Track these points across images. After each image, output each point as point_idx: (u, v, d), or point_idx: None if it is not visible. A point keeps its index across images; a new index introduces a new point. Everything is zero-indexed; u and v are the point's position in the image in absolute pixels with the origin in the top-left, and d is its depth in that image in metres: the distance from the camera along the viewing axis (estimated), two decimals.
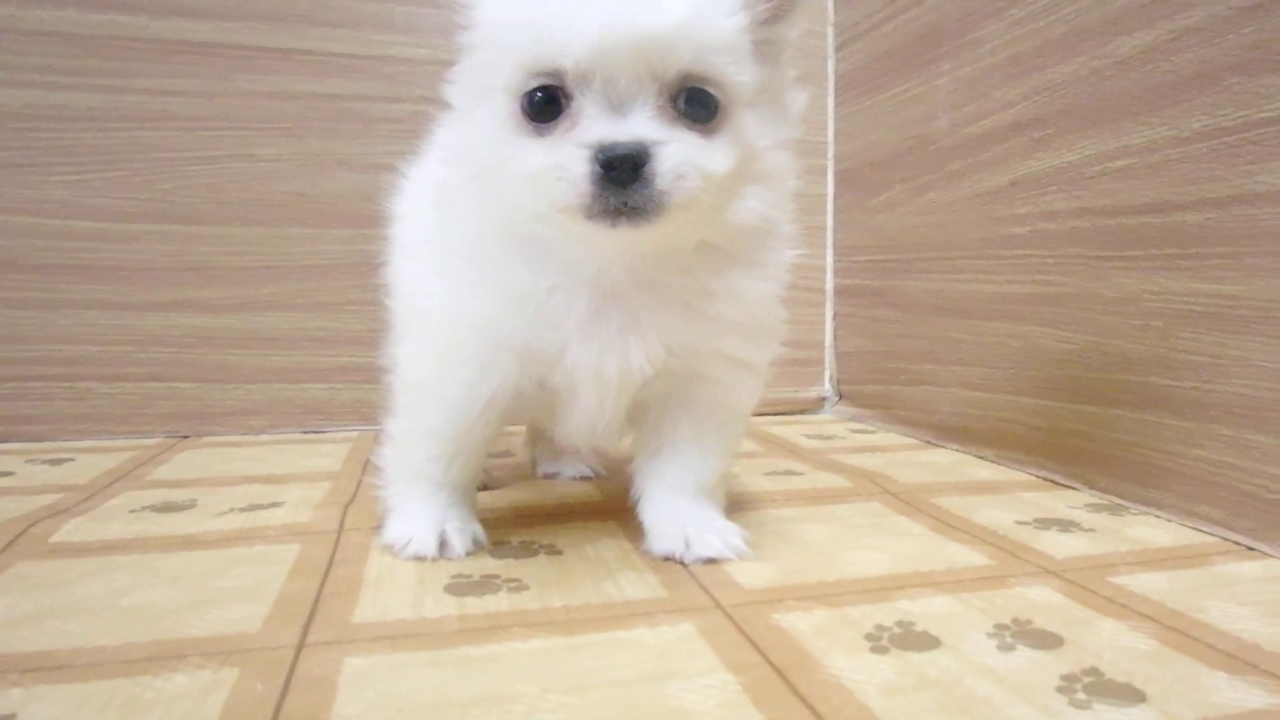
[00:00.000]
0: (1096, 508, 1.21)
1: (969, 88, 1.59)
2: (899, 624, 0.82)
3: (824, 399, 2.14)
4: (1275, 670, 0.73)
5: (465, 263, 0.93)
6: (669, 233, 0.83)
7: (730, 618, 0.84)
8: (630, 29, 0.78)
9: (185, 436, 1.79)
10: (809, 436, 1.80)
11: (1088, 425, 1.31)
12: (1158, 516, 1.17)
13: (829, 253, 2.09)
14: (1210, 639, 0.79)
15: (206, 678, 0.70)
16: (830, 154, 2.10)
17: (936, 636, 0.79)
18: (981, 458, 1.56)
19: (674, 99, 0.81)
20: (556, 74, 0.80)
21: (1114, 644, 0.78)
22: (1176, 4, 1.15)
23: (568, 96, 0.81)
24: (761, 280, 0.96)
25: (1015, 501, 1.26)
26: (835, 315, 2.12)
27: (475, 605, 0.86)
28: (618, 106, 0.80)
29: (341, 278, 1.83)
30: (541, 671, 0.72)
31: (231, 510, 1.20)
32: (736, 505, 1.16)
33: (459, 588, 0.91)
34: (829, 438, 1.80)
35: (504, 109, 0.83)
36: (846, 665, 0.74)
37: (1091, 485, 1.30)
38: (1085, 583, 0.93)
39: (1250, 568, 0.98)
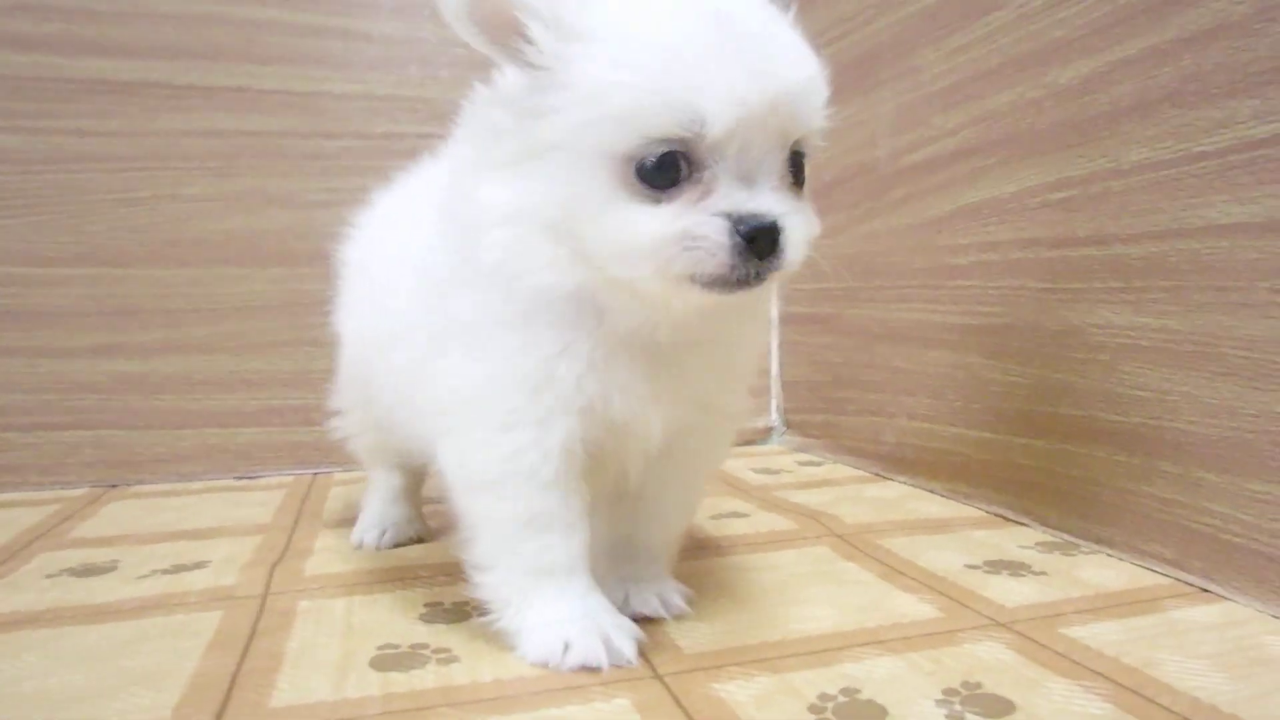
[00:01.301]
0: (1047, 546, 1.19)
1: (909, 114, 1.57)
2: (844, 691, 0.79)
3: (771, 429, 2.11)
4: None
5: (504, 328, 0.86)
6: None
7: (668, 689, 0.81)
8: (772, 94, 0.75)
9: (113, 486, 1.74)
10: (756, 471, 1.78)
11: (1035, 459, 1.29)
12: (1109, 555, 1.15)
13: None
14: (1165, 699, 0.77)
15: None
16: None
17: (883, 706, 0.76)
18: (930, 491, 1.53)
19: (787, 162, 0.80)
20: (686, 141, 0.75)
21: (1067, 708, 0.75)
22: (1113, 35, 1.14)
23: (694, 163, 0.76)
24: (759, 328, 0.95)
25: (964, 541, 1.23)
26: (781, 343, 2.09)
27: (401, 682, 0.83)
28: (748, 174, 0.77)
29: (275, 318, 1.79)
30: None
31: (154, 572, 1.16)
32: (680, 553, 1.13)
33: (385, 661, 0.88)
34: (776, 471, 1.77)
35: (606, 171, 0.77)
36: None
37: (1042, 522, 1.28)
38: (1036, 636, 0.90)
39: (1203, 613, 0.96)
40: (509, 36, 0.78)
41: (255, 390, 1.82)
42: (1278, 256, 0.94)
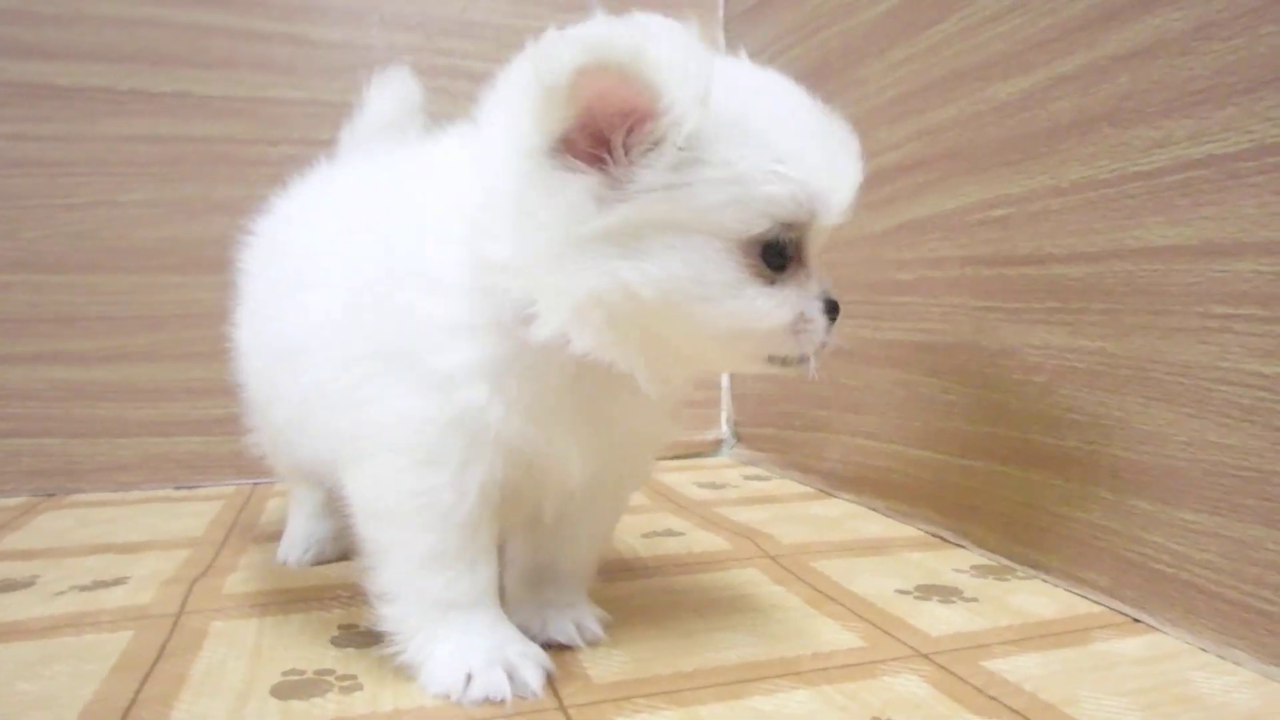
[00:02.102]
0: (982, 571, 1.17)
1: (856, 127, 1.55)
2: None
3: (721, 441, 2.10)
4: None
5: (412, 365, 0.83)
6: None
7: None
8: (858, 183, 0.82)
9: (51, 495, 1.71)
10: (701, 485, 1.75)
11: (973, 480, 1.27)
12: (1044, 581, 1.13)
13: None
14: None
15: None
16: None
17: None
18: (872, 509, 1.51)
19: None
20: (803, 226, 0.78)
21: None
22: (1053, 50, 1.12)
23: (801, 247, 0.80)
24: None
25: (899, 564, 1.21)
26: None
27: (300, 710, 0.81)
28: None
29: (217, 325, 1.75)
30: None
31: (71, 589, 1.13)
32: (607, 572, 1.11)
33: (287, 688, 0.85)
34: (721, 486, 1.75)
35: (730, 251, 0.76)
36: None
37: (979, 544, 1.26)
38: (957, 668, 0.88)
39: (1131, 645, 0.94)
40: (623, 114, 0.74)
41: (197, 399, 1.79)
42: (1212, 280, 0.93)
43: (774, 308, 0.78)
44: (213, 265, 1.70)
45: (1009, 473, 1.20)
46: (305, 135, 1.80)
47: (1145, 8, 1.00)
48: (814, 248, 0.81)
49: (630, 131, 0.73)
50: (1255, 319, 0.88)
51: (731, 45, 2.00)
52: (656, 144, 0.73)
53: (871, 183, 1.46)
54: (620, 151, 0.74)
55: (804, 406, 1.76)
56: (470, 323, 0.82)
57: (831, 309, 0.81)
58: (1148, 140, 1.00)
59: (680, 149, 0.73)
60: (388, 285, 0.85)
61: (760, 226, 0.75)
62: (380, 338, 0.85)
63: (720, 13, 2.09)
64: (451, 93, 1.86)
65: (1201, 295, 0.94)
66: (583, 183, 0.74)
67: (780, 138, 0.76)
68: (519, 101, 0.77)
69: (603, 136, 0.74)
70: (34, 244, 1.71)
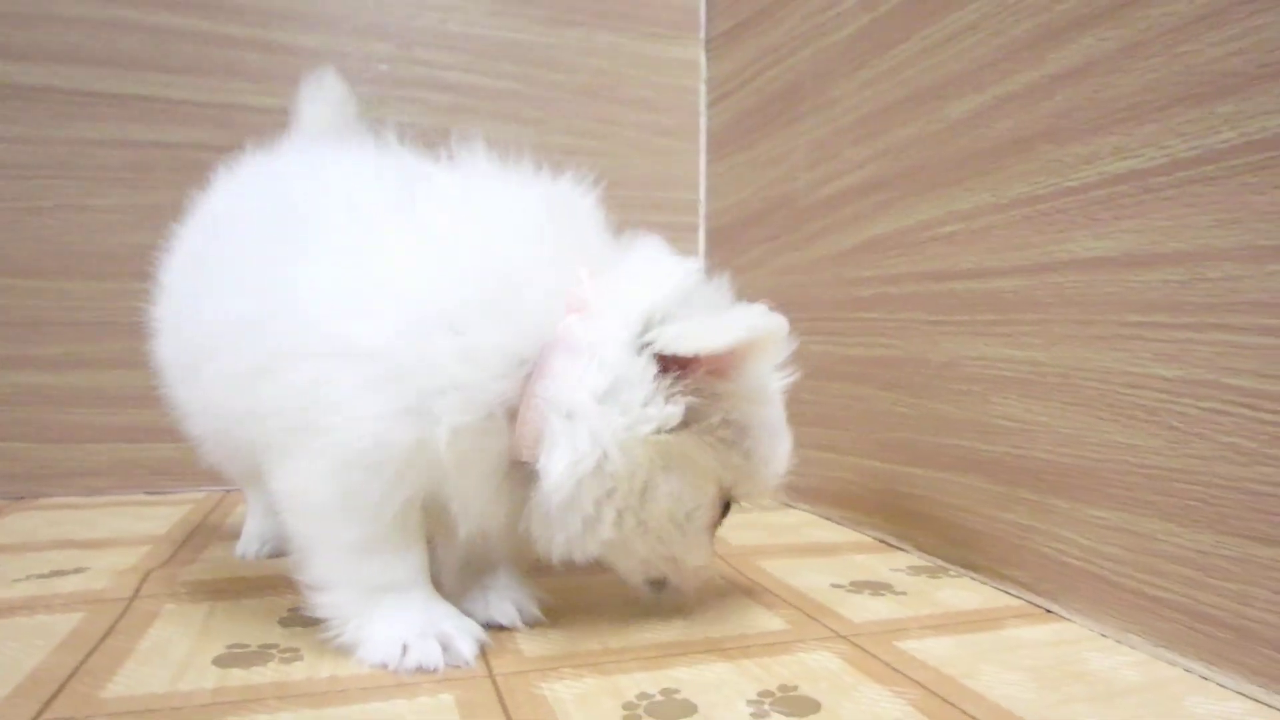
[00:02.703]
0: (917, 570, 1.22)
1: (824, 147, 1.60)
2: (663, 692, 0.81)
3: None
4: None
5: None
6: None
7: (496, 687, 0.83)
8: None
9: (20, 498, 1.71)
10: None
11: (917, 488, 1.31)
12: (973, 579, 1.17)
13: None
14: (969, 704, 0.79)
15: None
16: (702, 211, 2.12)
17: (694, 704, 0.78)
18: (827, 518, 1.56)
19: None
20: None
21: (869, 711, 0.77)
22: (1000, 69, 1.16)
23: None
24: None
25: (842, 564, 1.26)
26: None
27: (238, 677, 0.84)
28: None
29: None
30: None
31: (28, 577, 1.15)
32: (547, 567, 1.15)
33: (229, 659, 0.89)
34: None
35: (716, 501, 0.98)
36: None
37: (919, 547, 1.31)
38: (870, 647, 0.93)
39: (1038, 632, 0.99)
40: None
41: (166, 405, 1.79)
42: (1131, 290, 0.97)
43: (706, 553, 0.98)
44: None
45: (949, 479, 1.24)
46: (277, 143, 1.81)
47: (1082, 27, 1.04)
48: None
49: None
50: (1162, 325, 0.93)
51: (712, 65, 2.05)
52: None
53: (836, 203, 1.52)
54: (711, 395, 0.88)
55: None
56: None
57: None
58: (1078, 156, 1.04)
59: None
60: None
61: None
62: (350, 340, 0.84)
63: (701, 33, 2.12)
64: (428, 104, 1.89)
65: (1119, 304, 0.98)
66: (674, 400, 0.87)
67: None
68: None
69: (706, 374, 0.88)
70: (2, 247, 1.70)
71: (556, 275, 0.90)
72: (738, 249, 1.91)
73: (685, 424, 0.86)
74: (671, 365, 0.85)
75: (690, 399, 0.85)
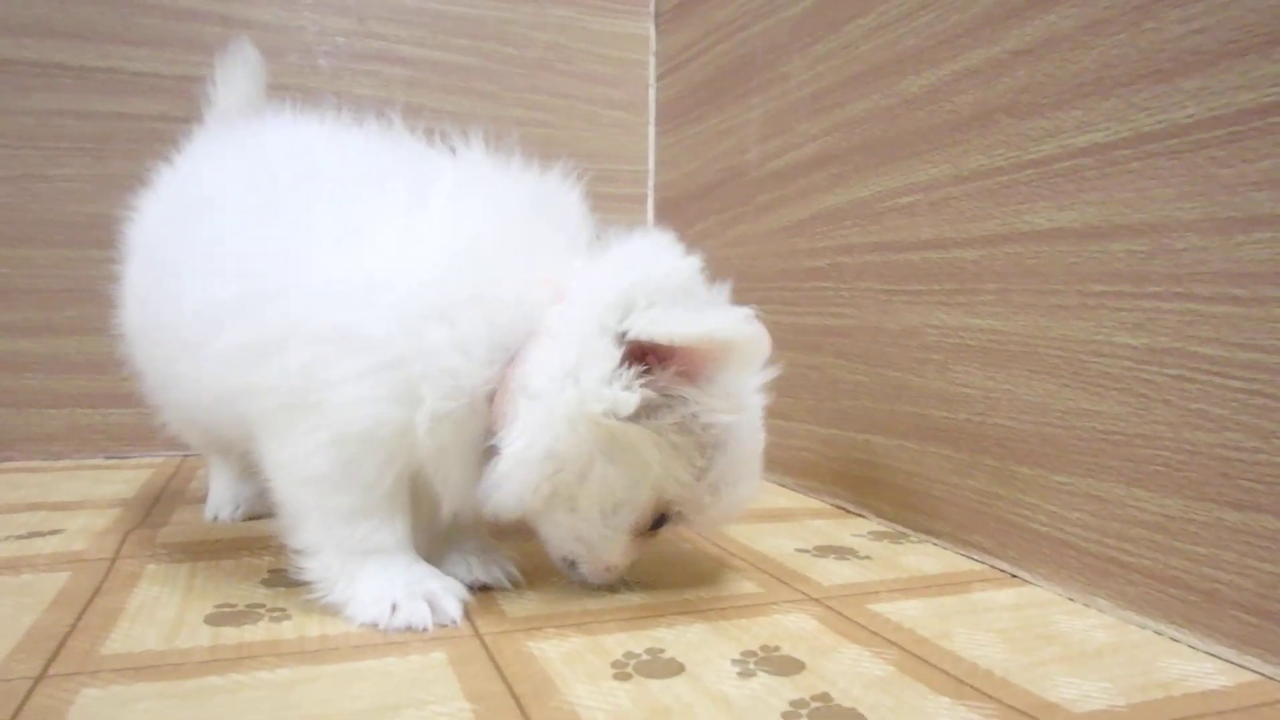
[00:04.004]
0: (878, 535, 1.24)
1: (776, 121, 1.61)
2: (648, 651, 0.83)
3: None
4: (998, 695, 0.75)
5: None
6: None
7: (485, 646, 0.84)
8: None
9: None
10: None
11: (874, 455, 1.34)
12: (934, 545, 1.20)
13: None
14: (946, 664, 0.81)
15: None
16: (650, 183, 2.13)
17: (681, 663, 0.80)
18: (782, 485, 1.58)
19: None
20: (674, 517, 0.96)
21: (852, 670, 0.80)
22: (958, 45, 1.18)
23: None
24: None
25: (802, 529, 1.28)
26: None
27: (231, 635, 0.86)
28: None
29: None
30: (275, 703, 0.72)
31: (7, 538, 1.17)
32: (526, 531, 1.16)
33: (220, 618, 0.90)
34: None
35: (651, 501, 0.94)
36: (585, 692, 0.75)
37: (878, 513, 1.33)
38: (843, 609, 0.95)
39: (1005, 595, 1.01)
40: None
41: (125, 372, 1.79)
42: (1092, 260, 0.99)
43: (619, 553, 0.95)
44: None
45: (907, 446, 1.27)
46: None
47: (1042, 6, 1.06)
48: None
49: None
50: (1126, 295, 0.95)
51: (661, 39, 2.06)
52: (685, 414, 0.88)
53: (788, 175, 1.54)
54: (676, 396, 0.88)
55: None
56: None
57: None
58: (1040, 130, 1.06)
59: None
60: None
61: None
62: (342, 325, 0.88)
63: (651, 6, 2.14)
64: (384, 77, 1.90)
65: (1082, 274, 1.01)
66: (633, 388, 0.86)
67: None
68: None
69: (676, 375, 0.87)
70: None
71: (543, 267, 0.94)
72: (687, 220, 1.93)
73: (640, 416, 0.86)
74: (642, 357, 0.86)
75: (651, 393, 0.85)
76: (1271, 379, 0.82)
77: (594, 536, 0.93)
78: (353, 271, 0.89)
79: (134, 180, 1.73)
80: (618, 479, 0.88)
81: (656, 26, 2.12)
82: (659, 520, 0.94)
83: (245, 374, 0.90)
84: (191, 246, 1.04)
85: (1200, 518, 0.88)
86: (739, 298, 1.69)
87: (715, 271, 1.77)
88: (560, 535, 0.95)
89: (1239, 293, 0.85)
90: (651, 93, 2.13)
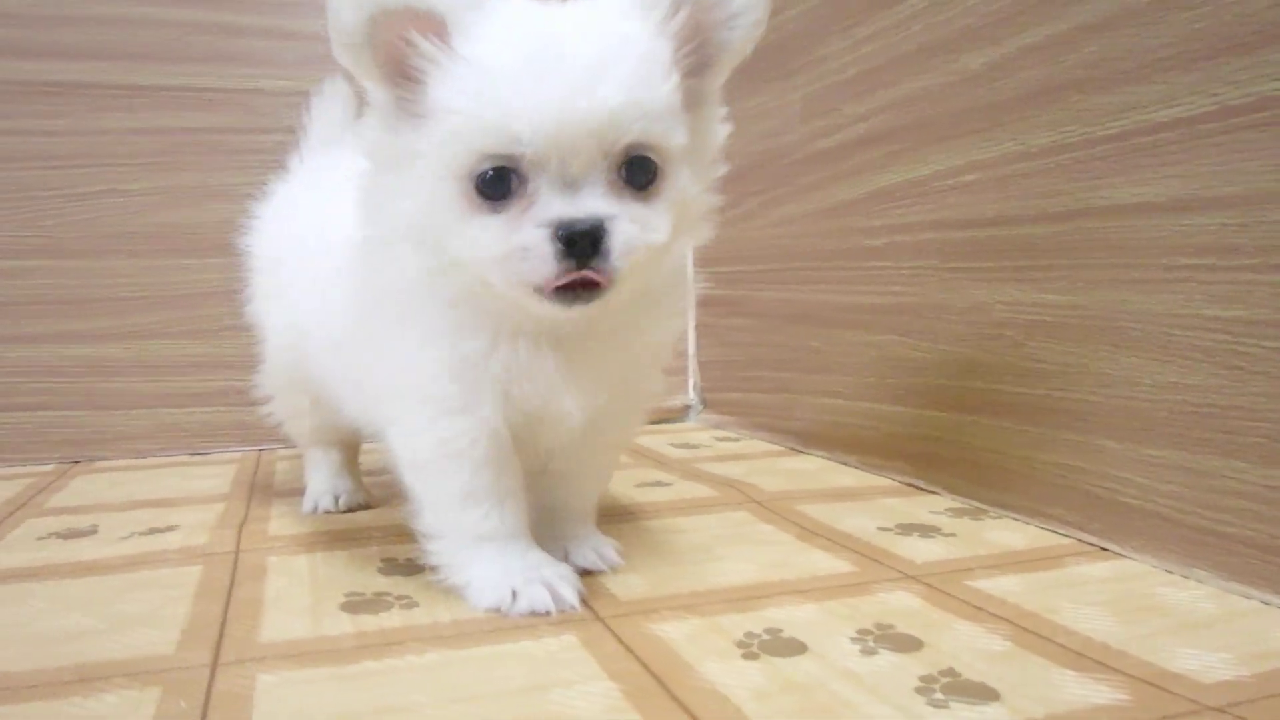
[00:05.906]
0: (957, 512, 1.25)
1: (819, 102, 1.62)
2: (767, 631, 0.85)
3: (689, 407, 2.17)
4: (1120, 667, 0.76)
5: (411, 323, 0.93)
6: (615, 297, 0.84)
7: (609, 628, 0.87)
8: (584, 114, 0.79)
9: (76, 462, 1.83)
10: (675, 445, 1.83)
11: (943, 431, 1.35)
12: (1014, 519, 1.20)
13: (689, 264, 2.11)
14: (1061, 638, 0.82)
15: (133, 696, 0.74)
16: None
17: (803, 642, 0.82)
18: (844, 464, 1.59)
19: (619, 169, 0.82)
20: (512, 158, 0.80)
21: (970, 645, 0.81)
22: (1019, 23, 1.19)
23: (522, 177, 0.81)
24: (677, 316, 1.03)
25: (877, 508, 1.29)
26: (697, 325, 2.15)
27: (371, 622, 0.90)
28: (571, 184, 0.81)
29: (218, 305, 1.84)
30: (435, 683, 0.76)
31: (132, 535, 1.24)
32: (611, 517, 1.19)
33: (354, 606, 0.95)
34: (695, 446, 1.82)
35: (454, 184, 0.83)
36: (719, 671, 0.77)
37: (951, 490, 1.34)
38: (943, 587, 0.96)
39: (1101, 568, 1.02)
40: (392, 60, 0.85)
41: (202, 373, 1.92)
42: (1174, 235, 1.00)
43: (492, 238, 0.82)
44: (213, 248, 1.81)
45: (979, 422, 1.28)
46: (294, 124, 1.84)
47: None
48: (547, 176, 0.81)
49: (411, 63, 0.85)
50: (1215, 268, 0.96)
51: None
52: (418, 80, 0.85)
53: (837, 155, 1.54)
54: (382, 91, 0.87)
55: (769, 370, 1.84)
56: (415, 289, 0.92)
57: (569, 239, 0.80)
58: (1115, 105, 1.07)
59: (416, 86, 0.85)
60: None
61: (468, 159, 0.81)
62: (379, 289, 0.96)
63: None
64: None
65: (1165, 248, 1.01)
66: (367, 125, 0.90)
67: (492, 73, 0.81)
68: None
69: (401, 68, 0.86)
70: (50, 231, 1.84)
71: None
72: (728, 202, 1.92)
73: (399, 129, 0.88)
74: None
75: None
76: None
77: (466, 251, 0.85)
78: None
79: (202, 190, 1.81)
80: (428, 194, 0.86)
81: None
82: (491, 177, 0.82)
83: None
84: (295, 247, 1.18)
85: None
86: (789, 276, 1.72)
87: (762, 251, 1.79)
88: (480, 276, 0.87)
89: None
90: None
